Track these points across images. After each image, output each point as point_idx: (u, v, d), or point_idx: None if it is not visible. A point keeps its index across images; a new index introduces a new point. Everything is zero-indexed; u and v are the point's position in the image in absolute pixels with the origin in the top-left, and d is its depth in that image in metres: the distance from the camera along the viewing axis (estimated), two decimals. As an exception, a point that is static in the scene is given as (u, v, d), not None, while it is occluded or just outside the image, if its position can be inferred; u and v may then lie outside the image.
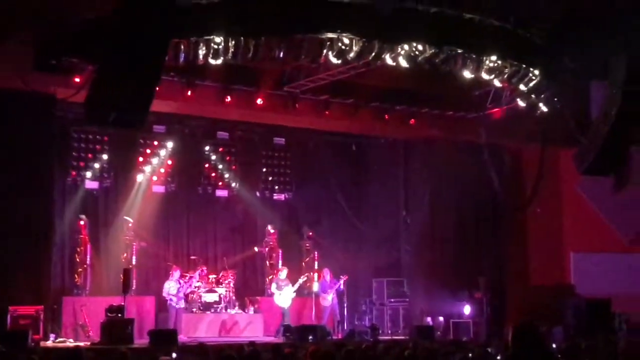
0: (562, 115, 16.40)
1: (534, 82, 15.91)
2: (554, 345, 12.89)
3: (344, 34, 13.88)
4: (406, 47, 14.44)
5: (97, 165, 18.65)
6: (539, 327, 7.42)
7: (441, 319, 19.91)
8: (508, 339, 6.85)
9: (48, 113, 16.35)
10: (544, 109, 16.75)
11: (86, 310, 16.98)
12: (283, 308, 18.70)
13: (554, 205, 21.07)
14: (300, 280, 19.04)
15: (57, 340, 16.12)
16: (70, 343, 15.78)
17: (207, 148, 20.27)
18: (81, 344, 15.13)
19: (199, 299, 18.51)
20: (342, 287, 19.01)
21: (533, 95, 16.53)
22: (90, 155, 18.51)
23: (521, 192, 20.93)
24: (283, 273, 19.04)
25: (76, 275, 18.01)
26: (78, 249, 18.11)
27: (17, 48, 14.88)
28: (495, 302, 20.13)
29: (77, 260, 18.08)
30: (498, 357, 10.07)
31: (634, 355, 8.92)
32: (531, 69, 15.60)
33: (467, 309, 19.78)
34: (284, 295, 18.70)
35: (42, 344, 15.06)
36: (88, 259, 18.15)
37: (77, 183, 18.49)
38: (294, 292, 18.80)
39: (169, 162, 19.73)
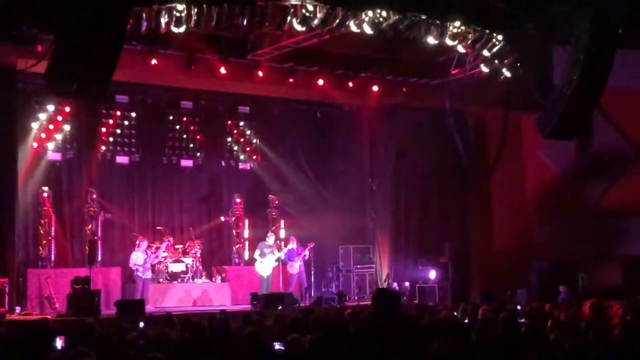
0: (525, 80, 16.49)
1: (497, 47, 15.97)
2: (518, 307, 13.09)
3: (308, 1, 13.80)
4: (370, 13, 14.41)
5: (59, 137, 18.51)
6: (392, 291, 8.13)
7: (407, 284, 20.11)
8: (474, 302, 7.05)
9: (8, 84, 16.10)
10: (507, 74, 16.84)
11: (51, 282, 16.91)
12: (262, 277, 18.66)
13: (517, 170, 21.25)
14: (287, 249, 18.94)
15: (23, 313, 16.04)
16: (36, 315, 15.70)
17: (171, 118, 20.18)
18: (48, 316, 15.06)
19: (165, 269, 18.51)
20: (308, 254, 19.06)
21: (496, 61, 16.61)
22: (52, 127, 18.34)
23: (485, 158, 21.09)
24: (270, 239, 18.90)
25: (40, 248, 17.91)
26: (42, 221, 17.99)
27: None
28: (460, 266, 20.36)
29: (41, 232, 17.97)
30: (465, 321, 10.19)
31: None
32: (494, 35, 15.67)
33: (432, 274, 19.96)
34: (265, 263, 18.63)
35: (7, 316, 14.95)
36: (52, 231, 18.05)
37: (40, 155, 18.30)
38: (276, 260, 18.77)
39: (133, 132, 19.57)
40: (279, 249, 18.94)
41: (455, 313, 11.22)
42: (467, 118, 21.36)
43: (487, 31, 15.55)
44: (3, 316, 14.70)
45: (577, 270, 19.06)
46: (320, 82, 19.10)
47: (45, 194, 18.02)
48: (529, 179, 21.46)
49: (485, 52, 16.13)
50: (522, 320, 10.26)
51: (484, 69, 17.22)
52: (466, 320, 10.29)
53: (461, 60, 18.14)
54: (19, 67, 15.71)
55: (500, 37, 15.73)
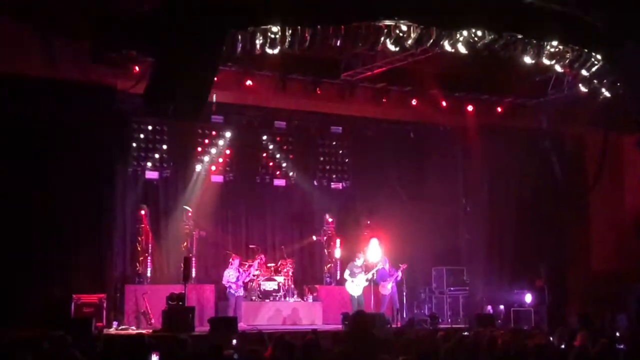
0: (625, 101, 16.02)
1: (596, 67, 15.55)
2: (617, 334, 12.64)
3: (402, 21, 13.74)
4: (465, 33, 14.23)
5: (156, 156, 18.95)
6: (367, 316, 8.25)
7: (502, 307, 19.70)
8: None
9: (108, 104, 16.52)
10: (607, 94, 16.40)
11: (148, 298, 17.22)
12: (353, 297, 18.52)
13: (617, 191, 20.67)
14: (376, 269, 18.75)
15: (120, 328, 16.39)
16: (133, 330, 16.03)
17: (264, 138, 20.37)
18: (143, 331, 15.36)
19: (258, 287, 18.64)
20: (401, 275, 18.89)
21: (595, 81, 16.17)
22: (150, 146, 18.80)
23: (583, 179, 20.59)
24: (360, 260, 18.72)
25: (137, 264, 18.29)
26: (139, 238, 18.37)
27: (75, 40, 15.09)
28: (556, 290, 19.85)
29: (139, 249, 18.35)
30: (562, 346, 9.90)
31: None
32: (593, 54, 15.25)
33: (528, 297, 19.49)
34: (356, 283, 18.52)
35: (105, 331, 15.31)
36: (149, 248, 18.43)
37: (138, 173, 18.77)
38: (367, 280, 18.66)
39: (227, 151, 19.88)
40: (368, 269, 18.78)
41: (551, 338, 10.92)
42: (565, 139, 20.90)
43: (586, 50, 15.16)
44: (101, 330, 15.05)
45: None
46: (414, 102, 19.02)
47: (142, 212, 18.41)
48: (629, 200, 20.86)
49: (584, 72, 15.73)
50: (621, 347, 9.91)
51: (583, 88, 16.79)
52: (562, 346, 9.99)
53: (559, 80, 17.80)
54: (119, 87, 16.19)
55: (599, 57, 15.32)
